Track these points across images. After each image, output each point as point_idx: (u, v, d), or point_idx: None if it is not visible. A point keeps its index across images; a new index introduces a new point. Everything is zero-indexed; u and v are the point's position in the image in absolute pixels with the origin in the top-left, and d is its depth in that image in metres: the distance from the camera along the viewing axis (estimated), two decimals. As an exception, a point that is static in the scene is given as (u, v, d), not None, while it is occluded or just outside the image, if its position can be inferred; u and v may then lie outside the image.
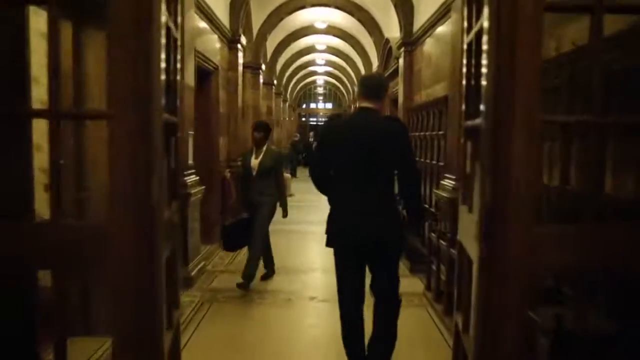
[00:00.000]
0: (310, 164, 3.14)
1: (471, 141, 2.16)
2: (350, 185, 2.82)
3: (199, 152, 6.51)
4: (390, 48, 8.98)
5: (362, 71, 15.12)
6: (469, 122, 2.10)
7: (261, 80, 11.08)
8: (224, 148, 7.40)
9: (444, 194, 4.75)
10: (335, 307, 3.07)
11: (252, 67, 10.46)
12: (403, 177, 2.89)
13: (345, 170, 2.83)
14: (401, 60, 7.94)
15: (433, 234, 4.49)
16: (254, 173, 4.88)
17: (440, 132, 5.55)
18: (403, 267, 5.60)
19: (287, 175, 12.77)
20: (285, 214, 5.12)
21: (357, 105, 3.06)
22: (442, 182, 5.02)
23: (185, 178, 4.73)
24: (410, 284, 5.01)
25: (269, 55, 13.43)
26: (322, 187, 3.02)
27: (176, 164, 2.23)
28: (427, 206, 5.80)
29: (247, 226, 4.77)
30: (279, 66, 16.31)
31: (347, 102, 24.41)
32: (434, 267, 4.75)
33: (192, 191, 4.75)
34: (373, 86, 2.91)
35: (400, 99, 7.96)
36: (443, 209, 4.98)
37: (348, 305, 2.92)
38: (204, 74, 6.44)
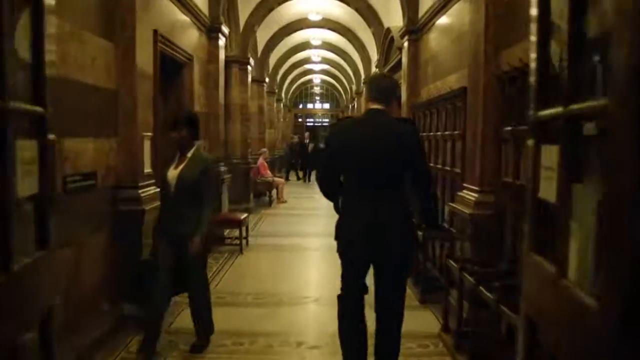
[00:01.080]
0: (320, 168, 3.03)
1: (559, 145, 1.18)
2: (361, 191, 2.70)
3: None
4: (392, 38, 8.02)
5: (361, 68, 14.18)
6: (551, 111, 1.22)
7: (250, 77, 10.12)
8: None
9: (464, 209, 3.80)
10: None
11: (239, 62, 9.50)
12: (416, 180, 2.79)
13: (356, 175, 2.72)
14: (404, 51, 6.99)
15: (452, 262, 3.53)
16: (172, 189, 3.29)
17: (456, 132, 4.60)
18: (412, 295, 4.64)
19: (280, 179, 11.82)
20: (195, 249, 3.23)
21: (367, 107, 2.89)
22: (460, 193, 4.06)
23: (140, 191, 3.76)
24: (421, 320, 4.05)
25: (259, 51, 12.48)
26: (329, 193, 2.88)
27: (44, 182, 1.29)
28: (446, 225, 4.84)
29: (153, 273, 3.28)
30: (271, 63, 15.37)
31: (345, 102, 23.46)
32: (452, 301, 3.80)
33: (149, 207, 3.78)
34: (382, 89, 2.78)
35: (404, 96, 7.00)
36: (461, 227, 4.03)
37: (350, 304, 2.80)
38: (174, 66, 5.48)
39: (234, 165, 9.36)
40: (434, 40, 5.98)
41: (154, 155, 4.23)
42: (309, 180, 16.13)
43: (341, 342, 2.80)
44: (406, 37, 6.84)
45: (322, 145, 17.40)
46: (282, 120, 20.86)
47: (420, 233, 4.71)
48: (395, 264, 2.71)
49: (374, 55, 11.52)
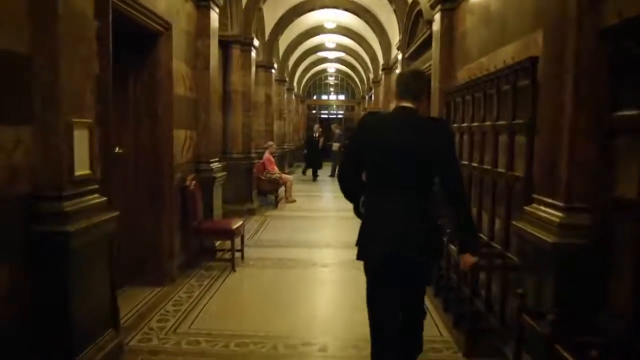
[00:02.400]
0: (342, 164, 2.78)
1: None
2: (387, 191, 2.52)
3: (141, 153, 4.41)
4: (419, 12, 6.76)
5: (379, 54, 12.90)
6: None
7: (254, 61, 8.91)
8: (187, 146, 5.27)
9: (541, 234, 2.56)
10: None
11: (240, 43, 8.31)
12: (447, 185, 2.55)
13: (383, 174, 2.54)
14: (436, 25, 5.73)
15: (533, 322, 2.30)
16: None
17: (517, 121, 3.34)
18: (452, 342, 3.43)
19: (287, 176, 10.64)
20: None
21: (395, 105, 2.66)
22: (529, 208, 2.83)
23: (65, 203, 2.58)
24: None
25: (267, 34, 11.27)
26: (351, 192, 2.67)
27: None
28: (497, 245, 3.59)
29: None
30: (281, 48, 14.16)
31: (361, 93, 22.15)
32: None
33: (78, 227, 2.60)
34: (414, 85, 2.60)
35: (435, 80, 5.75)
36: (529, 257, 2.81)
37: (386, 335, 2.53)
38: (145, 35, 4.30)
39: (234, 161, 8.23)
40: (476, 5, 4.70)
41: (99, 151, 3.07)
42: (315, 178, 14.50)
43: None
44: (438, 7, 5.57)
45: (331, 143, 16.01)
46: (293, 111, 19.61)
47: (476, 259, 3.50)
48: (415, 264, 2.52)
49: (395, 38, 10.24)
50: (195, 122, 5.56)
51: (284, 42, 13.96)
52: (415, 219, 2.47)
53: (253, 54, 8.71)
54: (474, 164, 4.27)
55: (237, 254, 5.47)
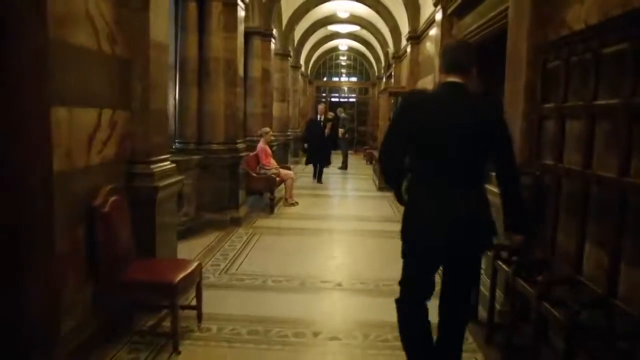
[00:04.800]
0: (385, 144, 2.50)
1: None
2: (436, 176, 2.34)
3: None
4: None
5: (403, 20, 10.60)
6: None
7: (242, 19, 6.70)
8: (105, 136, 3.11)
9: None
10: None
11: (223, -6, 6.11)
12: (503, 166, 2.39)
13: (431, 157, 2.35)
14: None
15: None
16: None
17: None
18: None
19: (288, 172, 8.47)
20: None
21: (441, 80, 2.46)
22: None
23: None
24: None
25: (265, -8, 9.04)
26: (394, 177, 2.53)
27: None
28: None
29: None
30: (285, 16, 11.91)
31: (377, 73, 19.83)
32: None
33: None
34: (462, 57, 2.38)
35: (518, 32, 3.57)
36: None
37: (415, 298, 2.46)
38: None
39: (213, 154, 6.14)
40: None
41: None
42: (320, 179, 10.88)
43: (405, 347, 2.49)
44: None
45: (341, 130, 13.52)
46: (299, 92, 17.31)
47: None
48: (470, 256, 2.43)
49: (427, -4, 7.98)
50: (125, 98, 3.40)
51: (288, 8, 11.72)
52: (474, 203, 2.32)
53: (241, 10, 6.49)
54: (613, 176, 2.10)
55: (192, 312, 3.37)
